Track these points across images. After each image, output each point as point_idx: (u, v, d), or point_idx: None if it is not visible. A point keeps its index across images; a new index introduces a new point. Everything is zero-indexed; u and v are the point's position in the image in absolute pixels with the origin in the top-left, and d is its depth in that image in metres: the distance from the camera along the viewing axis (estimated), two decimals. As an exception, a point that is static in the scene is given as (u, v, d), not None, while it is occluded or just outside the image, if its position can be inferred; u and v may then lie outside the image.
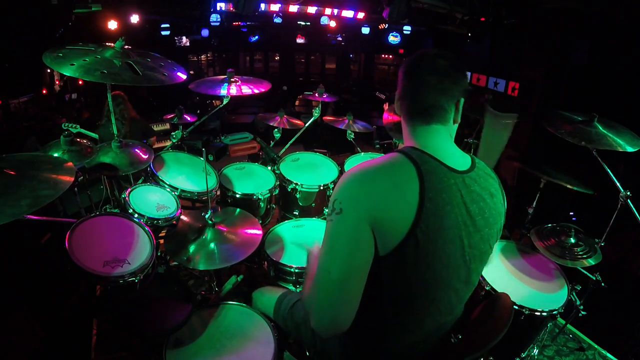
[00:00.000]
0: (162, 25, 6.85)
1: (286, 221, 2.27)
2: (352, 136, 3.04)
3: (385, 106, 5.29)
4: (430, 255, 0.94)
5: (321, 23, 7.45)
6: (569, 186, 1.98)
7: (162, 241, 1.86)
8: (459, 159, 1.05)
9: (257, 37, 8.59)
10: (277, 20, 7.10)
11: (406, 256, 0.93)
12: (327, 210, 1.00)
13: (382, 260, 0.94)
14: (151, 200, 1.90)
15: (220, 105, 2.69)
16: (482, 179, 1.05)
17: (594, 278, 1.98)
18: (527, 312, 1.70)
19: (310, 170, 2.68)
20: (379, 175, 0.96)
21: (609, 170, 1.93)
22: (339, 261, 0.94)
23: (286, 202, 2.58)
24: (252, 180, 2.53)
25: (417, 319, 1.05)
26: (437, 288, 1.01)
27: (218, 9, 6.50)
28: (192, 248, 1.77)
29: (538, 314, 1.71)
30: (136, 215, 1.74)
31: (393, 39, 8.23)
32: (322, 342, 1.28)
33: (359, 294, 0.95)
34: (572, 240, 1.94)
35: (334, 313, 0.95)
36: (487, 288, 1.78)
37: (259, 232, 1.93)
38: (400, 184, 0.93)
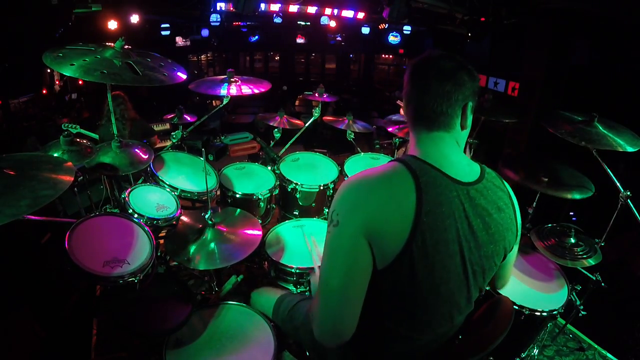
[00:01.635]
0: (162, 25, 6.86)
1: (286, 221, 2.27)
2: (352, 136, 3.04)
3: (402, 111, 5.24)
4: (428, 269, 0.92)
5: (321, 23, 7.45)
6: (569, 196, 1.98)
7: (161, 241, 1.86)
8: (465, 169, 1.00)
9: (257, 37, 8.60)
10: (277, 20, 7.10)
11: (403, 270, 0.91)
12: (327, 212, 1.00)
13: (380, 274, 0.93)
14: (151, 200, 1.90)
15: (220, 105, 2.69)
16: (490, 192, 1.00)
17: (594, 278, 1.98)
18: (527, 312, 1.70)
19: (310, 170, 2.68)
20: (376, 186, 0.93)
21: (609, 170, 1.93)
22: (337, 272, 0.93)
23: (286, 202, 2.58)
24: (252, 180, 2.53)
25: (417, 330, 1.04)
26: (437, 303, 0.99)
27: (218, 9, 6.50)
28: (192, 248, 1.77)
29: (538, 314, 1.71)
30: (136, 215, 1.73)
31: (393, 39, 8.24)
32: (322, 346, 1.27)
33: (359, 305, 0.95)
34: (572, 240, 1.94)
35: (334, 323, 0.95)
36: (487, 288, 1.78)
37: (259, 232, 1.93)
38: (396, 196, 0.90)
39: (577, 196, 1.97)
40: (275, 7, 6.65)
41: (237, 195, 2.31)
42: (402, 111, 5.07)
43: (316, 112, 3.05)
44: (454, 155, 1.00)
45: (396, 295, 0.97)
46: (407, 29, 7.98)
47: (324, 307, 0.96)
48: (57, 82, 6.14)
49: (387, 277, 0.93)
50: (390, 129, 2.85)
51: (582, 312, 2.00)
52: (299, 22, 8.09)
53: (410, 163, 0.95)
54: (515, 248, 1.14)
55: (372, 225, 0.90)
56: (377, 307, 0.99)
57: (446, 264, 0.94)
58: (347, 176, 2.59)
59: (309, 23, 8.08)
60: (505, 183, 1.09)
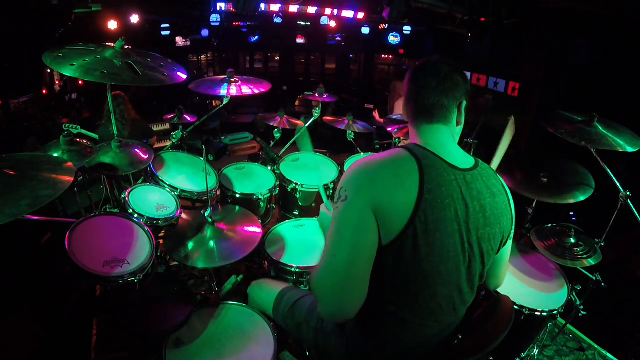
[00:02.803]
0: (162, 25, 6.84)
1: (286, 221, 2.27)
2: (352, 136, 3.05)
3: (375, 114, 5.42)
4: (429, 247, 0.96)
5: (321, 23, 7.45)
6: (571, 201, 1.97)
7: (161, 241, 1.86)
8: (461, 158, 1.08)
9: (257, 37, 8.58)
10: (277, 20, 7.09)
11: (406, 246, 0.96)
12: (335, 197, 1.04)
13: (384, 250, 0.97)
14: (151, 200, 1.90)
15: (220, 106, 2.69)
16: (484, 178, 1.07)
17: (594, 278, 1.98)
18: (527, 312, 1.70)
19: (310, 170, 2.68)
20: (381, 166, 1.01)
21: (609, 170, 1.93)
22: (345, 244, 0.97)
23: (286, 202, 2.58)
24: (252, 180, 2.53)
25: (419, 316, 1.06)
26: (438, 283, 1.02)
27: (218, 9, 6.50)
28: (191, 245, 1.77)
29: (538, 314, 1.71)
30: (136, 215, 1.73)
31: (393, 39, 8.22)
32: (324, 342, 1.28)
33: (365, 280, 0.98)
34: (572, 240, 1.94)
35: (340, 296, 0.98)
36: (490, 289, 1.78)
37: (259, 230, 1.93)
38: (401, 175, 0.98)
39: (581, 197, 1.96)
40: (275, 7, 6.64)
41: (237, 196, 2.31)
42: (375, 114, 5.23)
43: (316, 112, 3.05)
44: (451, 146, 1.10)
45: (398, 274, 1.00)
46: (407, 29, 7.96)
47: (331, 282, 0.99)
48: (57, 82, 6.12)
49: (390, 254, 0.97)
50: (389, 129, 2.86)
51: (582, 312, 2.01)
52: (299, 22, 8.07)
53: (412, 148, 1.04)
54: (509, 243, 1.18)
55: (378, 200, 0.95)
56: (380, 290, 1.02)
57: (445, 243, 0.98)
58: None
59: (309, 23, 8.06)
60: (498, 175, 1.15)
